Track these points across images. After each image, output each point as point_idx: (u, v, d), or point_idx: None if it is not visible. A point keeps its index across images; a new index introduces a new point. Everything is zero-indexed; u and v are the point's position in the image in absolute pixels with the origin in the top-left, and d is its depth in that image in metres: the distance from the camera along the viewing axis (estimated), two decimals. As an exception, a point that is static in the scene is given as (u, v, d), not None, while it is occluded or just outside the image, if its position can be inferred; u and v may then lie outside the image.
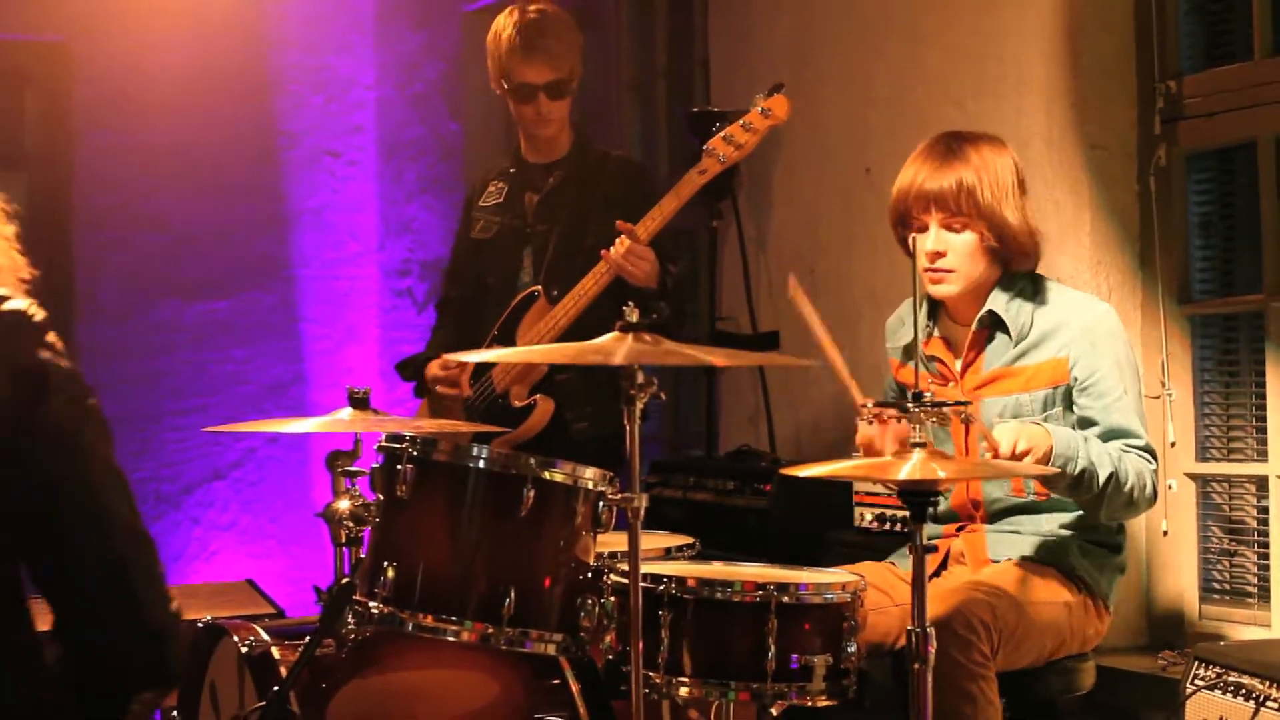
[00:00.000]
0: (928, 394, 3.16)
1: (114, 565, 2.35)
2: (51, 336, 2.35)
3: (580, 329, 4.73)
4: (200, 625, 3.89)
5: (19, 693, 2.34)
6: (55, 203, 7.43)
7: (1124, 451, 3.70)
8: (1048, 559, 3.79)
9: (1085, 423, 3.77)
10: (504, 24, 5.06)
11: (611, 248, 4.77)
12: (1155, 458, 3.77)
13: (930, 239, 3.84)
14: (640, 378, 3.15)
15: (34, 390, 2.29)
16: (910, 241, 3.78)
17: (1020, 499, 3.85)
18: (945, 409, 3.15)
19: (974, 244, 3.83)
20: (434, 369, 5.13)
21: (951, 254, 3.84)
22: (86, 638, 2.38)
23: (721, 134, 4.75)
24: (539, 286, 4.99)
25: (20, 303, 2.35)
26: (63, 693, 2.39)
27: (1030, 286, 3.91)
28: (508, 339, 4.96)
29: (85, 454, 2.34)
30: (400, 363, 5.40)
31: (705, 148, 4.77)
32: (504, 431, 4.79)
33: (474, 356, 4.36)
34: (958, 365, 3.93)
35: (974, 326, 3.90)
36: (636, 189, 5.13)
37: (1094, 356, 3.77)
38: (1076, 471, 3.57)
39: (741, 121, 4.73)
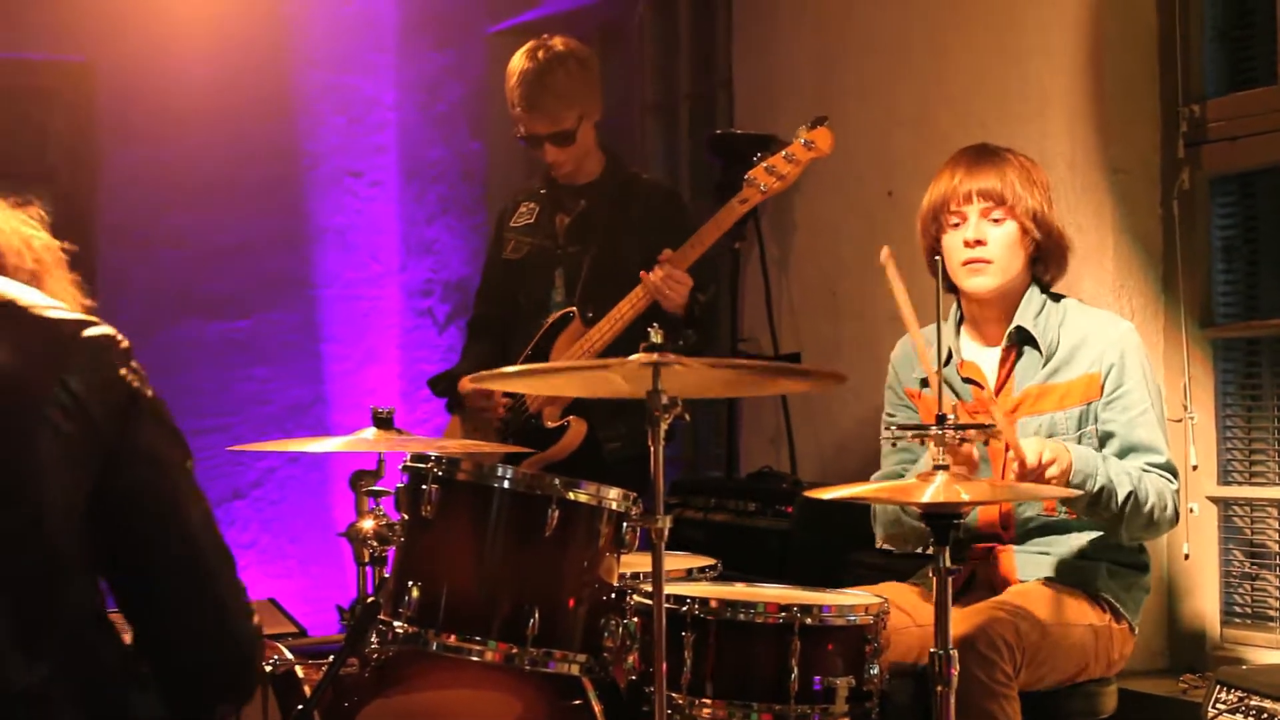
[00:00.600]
0: (951, 416, 3.16)
1: (199, 580, 2.40)
2: (136, 362, 2.42)
3: (613, 351, 4.75)
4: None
5: (110, 703, 2.36)
6: (78, 220, 7.44)
7: (1145, 471, 3.70)
8: (1075, 581, 3.78)
9: (1107, 436, 3.77)
10: (513, 69, 5.02)
11: (651, 270, 4.75)
12: (1176, 476, 3.77)
13: (970, 228, 3.85)
14: (665, 399, 3.16)
15: (124, 412, 2.36)
16: (936, 261, 3.77)
17: (1052, 517, 3.84)
18: (971, 431, 3.15)
19: (1015, 236, 3.84)
20: (469, 385, 5.07)
21: (992, 244, 3.84)
22: (170, 651, 2.41)
23: (764, 164, 4.70)
24: (574, 308, 4.98)
25: (105, 328, 2.42)
26: (154, 704, 2.41)
27: (1053, 303, 3.91)
28: (541, 360, 4.91)
29: (171, 474, 2.40)
30: (434, 378, 5.37)
31: (746, 177, 4.72)
32: (532, 452, 4.78)
33: (501, 385, 4.35)
34: (991, 385, 3.92)
35: (1004, 343, 3.89)
36: (669, 212, 5.13)
37: (1121, 371, 3.78)
38: (1095, 489, 3.57)
39: (784, 153, 4.68)
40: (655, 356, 3.14)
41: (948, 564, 3.10)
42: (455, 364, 5.38)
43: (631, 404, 4.77)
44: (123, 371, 2.39)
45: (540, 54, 5.00)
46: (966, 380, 3.94)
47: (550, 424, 4.96)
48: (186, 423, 7.48)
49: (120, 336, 2.42)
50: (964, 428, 3.16)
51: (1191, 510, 4.49)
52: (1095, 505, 3.61)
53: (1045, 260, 3.92)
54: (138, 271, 7.46)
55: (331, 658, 3.43)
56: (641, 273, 4.77)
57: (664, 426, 3.17)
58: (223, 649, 2.43)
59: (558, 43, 5.04)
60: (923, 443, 3.22)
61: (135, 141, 7.46)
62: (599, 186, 5.18)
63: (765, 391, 5.08)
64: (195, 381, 7.51)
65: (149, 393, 2.41)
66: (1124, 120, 4.60)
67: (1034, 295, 3.91)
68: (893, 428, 3.32)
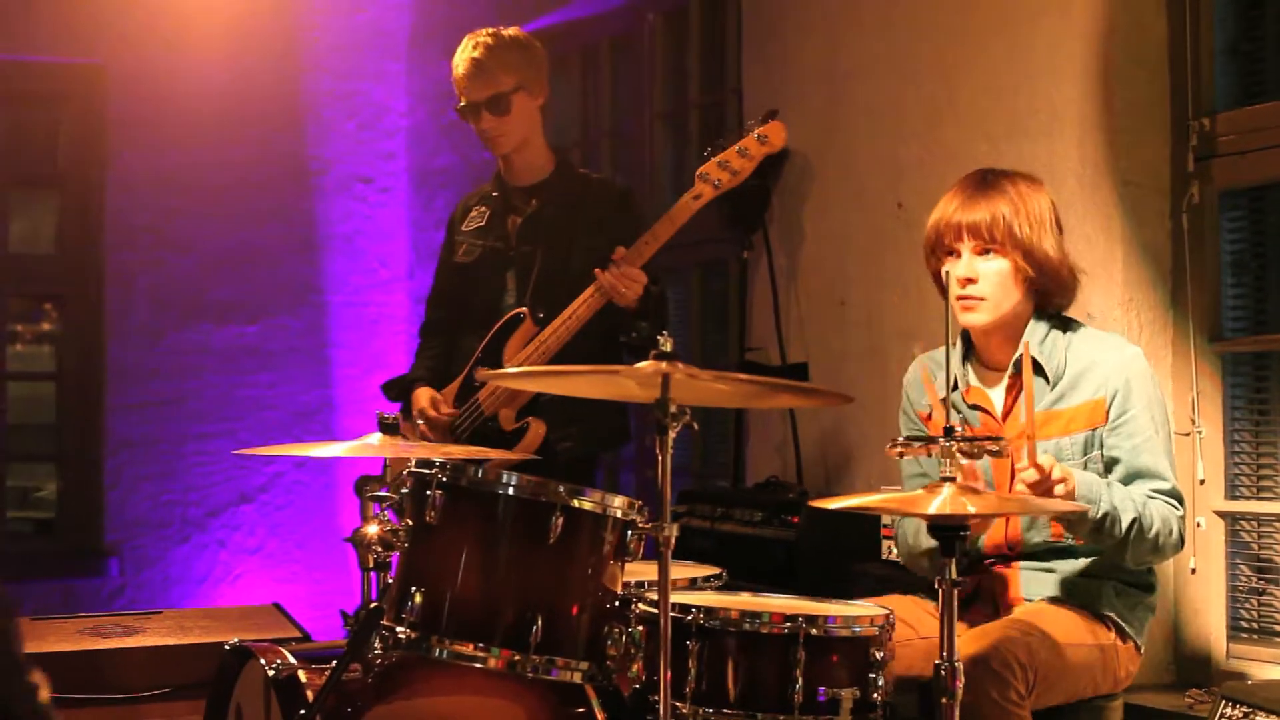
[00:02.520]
0: (959, 428, 3.15)
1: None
2: None
3: (569, 349, 4.79)
4: (227, 647, 3.90)
5: None
6: (87, 222, 7.48)
7: (1150, 497, 3.67)
8: (1081, 600, 3.76)
9: (1112, 462, 3.75)
10: (460, 48, 5.11)
11: (605, 268, 4.75)
12: (1182, 503, 3.74)
13: (962, 265, 3.82)
14: (674, 407, 3.15)
15: None
16: (944, 276, 3.77)
17: (1059, 543, 3.82)
18: (976, 444, 3.14)
19: (1006, 272, 3.81)
20: (423, 401, 5.09)
21: (983, 281, 3.81)
22: None
23: (716, 159, 4.71)
24: (524, 309, 4.96)
25: None
26: None
27: (1061, 328, 3.89)
28: (494, 361, 4.93)
29: None
30: (387, 383, 5.34)
31: (699, 172, 4.72)
32: (506, 456, 4.73)
33: (503, 379, 4.32)
34: (999, 412, 3.90)
35: (1009, 371, 3.87)
36: (620, 211, 5.11)
37: (1126, 396, 3.75)
38: (1099, 515, 3.54)
39: (738, 147, 4.69)
40: (665, 366, 3.13)
41: (954, 576, 3.10)
42: (410, 369, 5.35)
43: (585, 406, 4.79)
44: None
45: (486, 33, 5.09)
46: (973, 407, 3.93)
47: (508, 427, 4.94)
48: (193, 427, 7.55)
49: None
50: (972, 440, 3.15)
51: (1199, 525, 4.48)
52: (1099, 531, 3.59)
53: (1045, 291, 3.89)
54: (146, 275, 7.48)
55: (334, 663, 3.43)
56: (596, 270, 4.76)
57: (672, 435, 3.17)
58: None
59: (504, 29, 5.11)
60: (930, 455, 3.21)
61: (145, 146, 7.48)
62: (550, 186, 5.17)
63: (772, 404, 5.08)
64: (203, 386, 7.54)
65: None
66: (1133, 134, 4.59)
67: (1038, 324, 3.89)
68: (898, 439, 3.30)
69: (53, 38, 7.36)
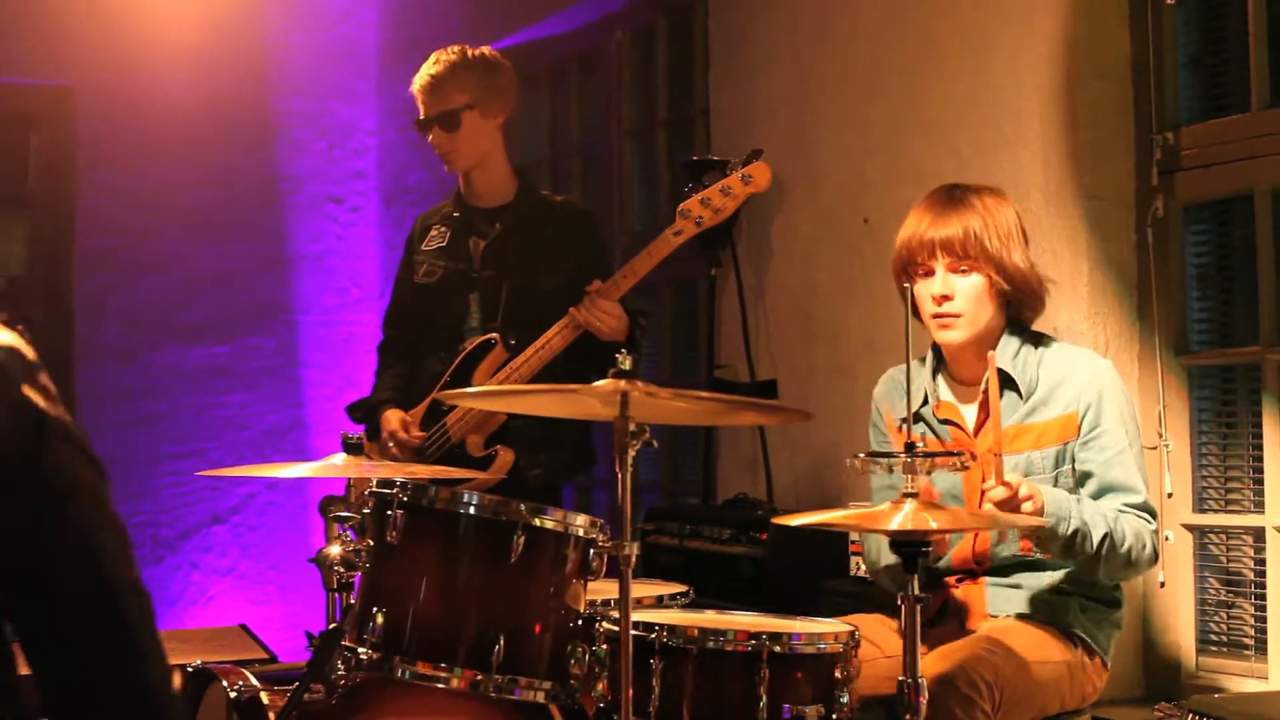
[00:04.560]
0: (920, 444, 3.15)
1: (110, 622, 2.08)
2: (44, 378, 2.14)
3: (539, 379, 4.75)
4: (190, 670, 3.88)
5: None
6: (57, 244, 7.47)
7: (1121, 512, 3.66)
8: (1047, 616, 3.75)
9: (1084, 476, 3.74)
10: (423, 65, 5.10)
11: (581, 303, 4.73)
12: (1155, 516, 3.73)
13: (937, 283, 3.81)
14: (633, 425, 3.14)
15: (30, 431, 2.07)
16: (909, 295, 3.76)
17: (1027, 558, 3.80)
18: (937, 459, 3.14)
19: (982, 288, 3.80)
20: (393, 423, 5.01)
21: (959, 297, 3.81)
22: (74, 705, 2.07)
23: (698, 196, 4.68)
24: (495, 335, 4.92)
25: (8, 337, 2.13)
26: None
27: (1032, 342, 3.88)
28: (462, 386, 4.81)
29: (82, 503, 2.10)
30: (352, 405, 5.30)
31: (680, 209, 4.70)
32: (472, 477, 4.70)
33: (463, 399, 4.31)
34: (970, 427, 3.90)
35: (983, 387, 3.86)
36: (585, 235, 5.12)
37: (1099, 410, 3.74)
38: (1069, 532, 3.54)
39: (721, 186, 4.66)
40: (623, 384, 3.13)
41: (916, 592, 3.09)
42: (373, 390, 5.28)
43: (552, 434, 4.75)
44: (26, 389, 2.09)
45: (452, 50, 5.07)
46: (944, 422, 3.92)
47: (476, 453, 4.90)
48: (165, 448, 7.51)
49: (24, 348, 2.13)
50: (933, 455, 3.15)
51: (1167, 538, 4.48)
52: (1070, 549, 3.58)
53: (1018, 304, 3.88)
54: (117, 296, 7.48)
55: (295, 684, 3.42)
56: (572, 309, 4.74)
57: (632, 453, 3.16)
58: (133, 702, 2.10)
59: (473, 48, 5.09)
60: (891, 470, 3.21)
61: (116, 166, 7.48)
62: (513, 209, 5.11)
63: (734, 422, 5.07)
64: (174, 407, 7.53)
65: (58, 412, 2.12)
66: (1098, 148, 4.60)
67: (1010, 338, 3.88)
68: (860, 454, 3.29)
69: (23, 59, 7.35)
